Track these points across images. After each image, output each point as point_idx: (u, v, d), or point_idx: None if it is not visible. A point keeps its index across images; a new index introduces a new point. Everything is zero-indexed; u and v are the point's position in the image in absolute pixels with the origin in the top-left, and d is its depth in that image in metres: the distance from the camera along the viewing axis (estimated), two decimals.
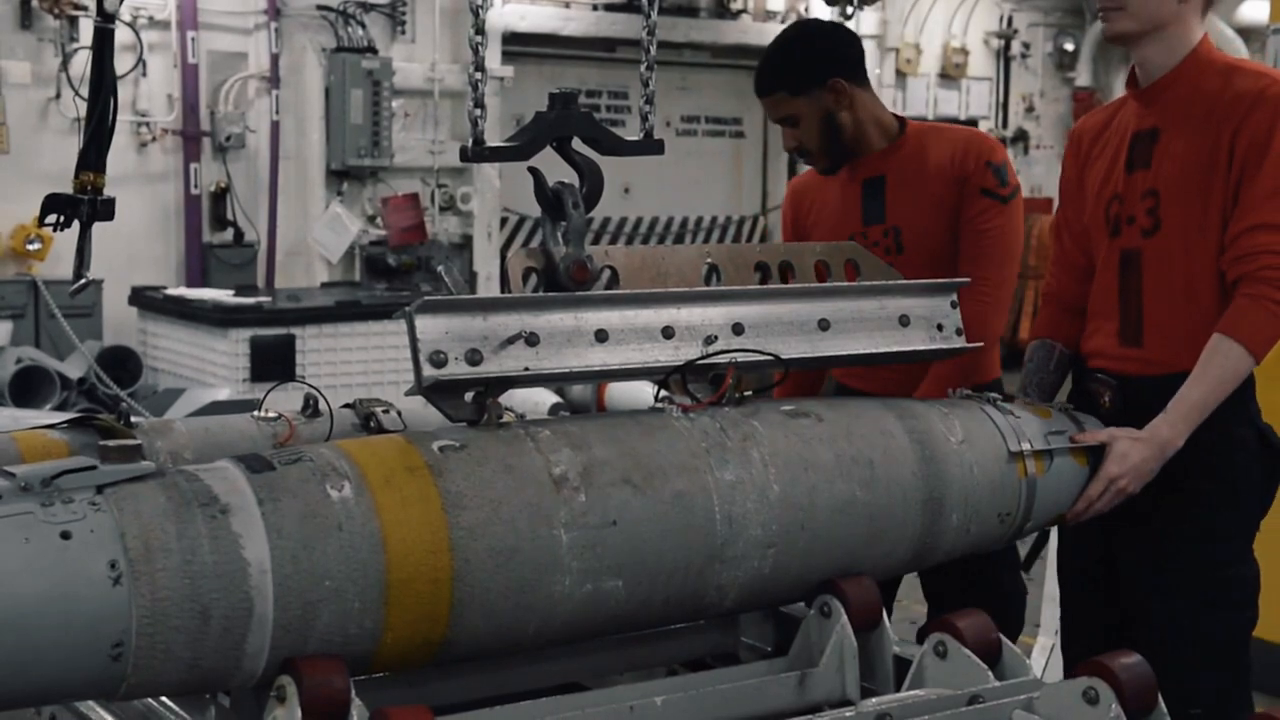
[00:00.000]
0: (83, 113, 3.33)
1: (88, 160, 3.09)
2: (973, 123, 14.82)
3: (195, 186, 10.15)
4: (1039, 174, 14.84)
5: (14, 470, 2.13)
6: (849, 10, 12.85)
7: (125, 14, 9.40)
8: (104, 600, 2.05)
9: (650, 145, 2.82)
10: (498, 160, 2.68)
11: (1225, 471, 3.13)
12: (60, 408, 8.33)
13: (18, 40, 9.45)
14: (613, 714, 2.38)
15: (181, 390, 8.64)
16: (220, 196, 10.28)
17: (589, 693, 2.56)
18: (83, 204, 3.08)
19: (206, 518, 2.13)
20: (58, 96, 9.48)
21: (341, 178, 10.67)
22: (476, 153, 2.62)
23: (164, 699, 2.44)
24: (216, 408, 7.40)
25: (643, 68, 2.84)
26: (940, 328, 2.94)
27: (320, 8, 10.49)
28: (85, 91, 3.33)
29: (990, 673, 2.50)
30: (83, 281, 3.19)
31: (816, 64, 3.53)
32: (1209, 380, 3.00)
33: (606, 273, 2.72)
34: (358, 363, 8.91)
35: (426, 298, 2.41)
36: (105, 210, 3.11)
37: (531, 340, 2.48)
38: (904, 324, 2.89)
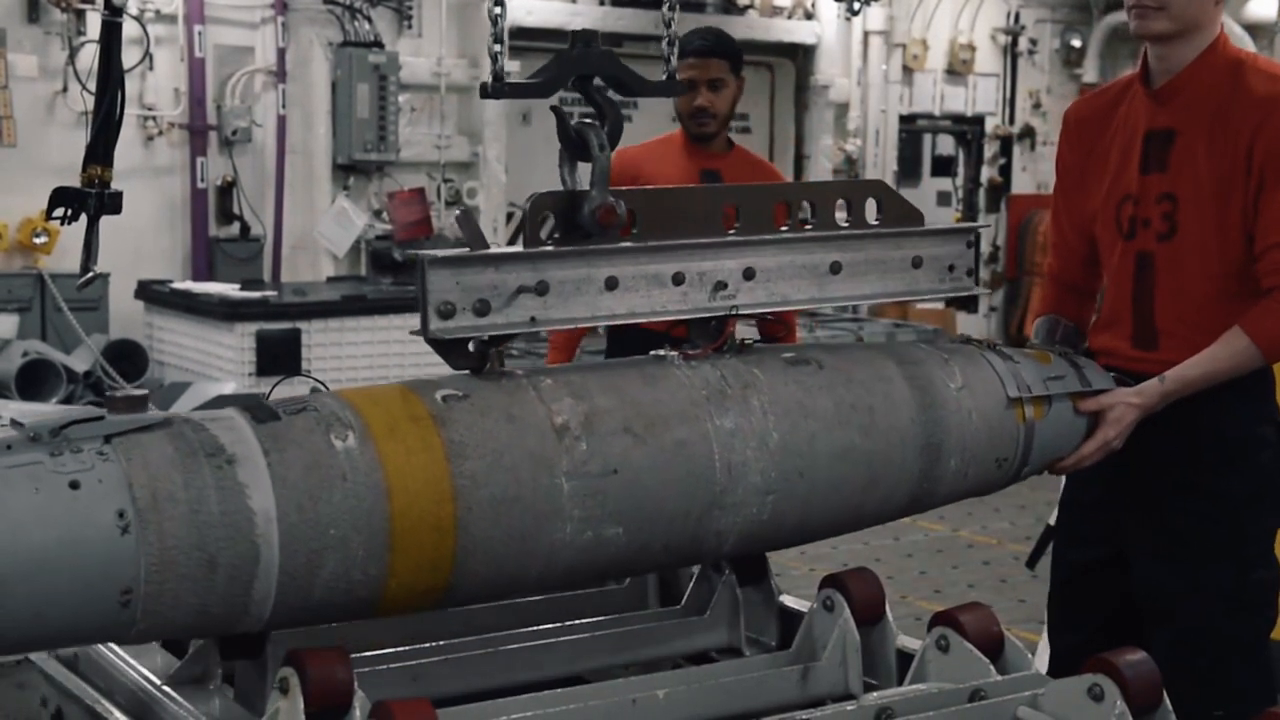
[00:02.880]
0: (90, 106, 3.32)
1: (95, 154, 3.08)
2: (979, 119, 14.82)
3: (202, 180, 10.15)
4: (1046, 170, 14.71)
5: (23, 420, 2.16)
6: (855, 6, 12.83)
7: (132, 8, 9.41)
8: (113, 549, 2.07)
9: (672, 86, 2.81)
10: (518, 96, 2.64)
11: (1251, 472, 3.12)
12: (66, 401, 8.33)
13: (25, 34, 9.46)
14: (615, 707, 2.39)
15: (187, 384, 8.66)
16: (226, 190, 10.28)
17: (591, 685, 2.57)
18: (90, 197, 3.08)
19: (213, 468, 2.16)
20: (65, 90, 9.49)
21: (348, 172, 10.66)
22: (496, 89, 2.58)
23: (170, 690, 2.47)
24: (222, 402, 7.43)
25: (665, 7, 2.84)
26: (952, 268, 2.94)
27: (327, 2, 10.48)
28: (93, 85, 3.33)
29: (992, 667, 2.50)
30: (89, 275, 3.19)
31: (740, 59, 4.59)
32: (1215, 366, 3.01)
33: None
34: (363, 357, 8.92)
35: (439, 251, 2.40)
36: (113, 204, 3.10)
37: (541, 289, 2.47)
38: (916, 265, 2.88)
